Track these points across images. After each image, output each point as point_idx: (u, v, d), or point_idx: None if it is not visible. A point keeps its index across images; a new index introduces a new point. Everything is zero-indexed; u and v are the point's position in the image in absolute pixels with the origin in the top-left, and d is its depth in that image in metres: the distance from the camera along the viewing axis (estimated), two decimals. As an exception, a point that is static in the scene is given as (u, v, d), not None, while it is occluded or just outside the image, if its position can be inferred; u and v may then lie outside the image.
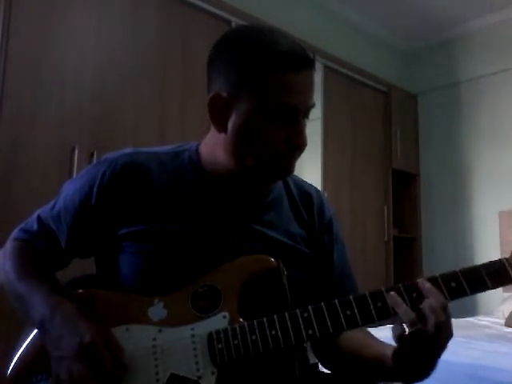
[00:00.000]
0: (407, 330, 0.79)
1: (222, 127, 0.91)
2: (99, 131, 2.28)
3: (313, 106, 0.93)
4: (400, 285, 0.83)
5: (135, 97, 2.43)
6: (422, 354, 0.80)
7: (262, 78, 0.86)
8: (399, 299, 0.80)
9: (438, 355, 0.83)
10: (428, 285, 0.81)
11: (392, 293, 0.81)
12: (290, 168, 0.94)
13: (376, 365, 0.90)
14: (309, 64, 0.89)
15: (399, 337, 0.80)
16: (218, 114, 0.91)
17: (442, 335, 0.78)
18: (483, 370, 1.84)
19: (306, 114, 0.92)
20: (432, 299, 0.79)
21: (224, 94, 0.89)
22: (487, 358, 1.95)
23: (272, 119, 0.87)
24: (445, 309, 0.78)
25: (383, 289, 0.82)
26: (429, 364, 0.83)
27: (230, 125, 0.90)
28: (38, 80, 2.12)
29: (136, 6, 2.49)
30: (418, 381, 0.86)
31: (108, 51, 2.37)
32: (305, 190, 1.07)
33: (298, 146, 0.90)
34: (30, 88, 2.10)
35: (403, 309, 0.79)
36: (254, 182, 0.97)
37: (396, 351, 0.83)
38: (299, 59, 0.87)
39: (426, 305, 0.79)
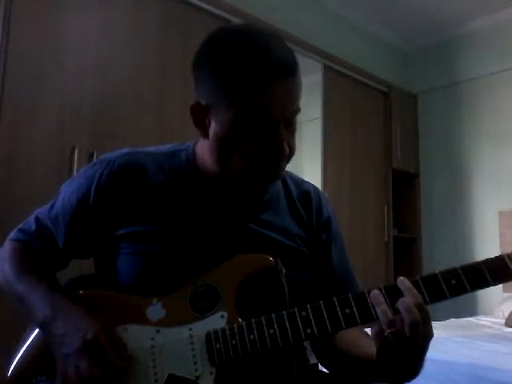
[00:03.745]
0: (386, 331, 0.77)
1: (204, 134, 0.91)
2: (99, 131, 2.28)
3: (296, 112, 0.89)
4: (385, 285, 0.81)
5: (135, 97, 2.43)
6: (402, 355, 0.78)
7: (237, 90, 0.83)
8: (381, 298, 0.79)
9: (420, 355, 0.80)
10: (407, 283, 0.79)
11: (375, 291, 0.80)
12: (277, 174, 0.93)
13: (366, 365, 0.89)
14: (286, 74, 0.84)
15: (377, 338, 0.79)
16: (198, 122, 0.91)
17: (418, 335, 0.76)
18: (483, 369, 1.84)
19: (289, 121, 0.89)
20: (408, 298, 0.77)
21: (203, 102, 0.88)
22: (487, 358, 1.95)
23: (250, 131, 0.86)
24: (421, 308, 0.76)
25: (381, 286, 0.81)
26: (412, 364, 0.82)
27: (210, 132, 0.90)
28: (38, 80, 2.12)
29: (136, 6, 2.49)
30: (404, 381, 0.85)
31: (108, 51, 2.37)
32: (303, 188, 1.06)
33: (278, 156, 0.88)
34: (30, 88, 2.10)
35: (382, 308, 0.77)
36: (244, 186, 0.96)
37: (377, 352, 0.82)
38: (274, 70, 0.83)
39: (400, 303, 0.77)
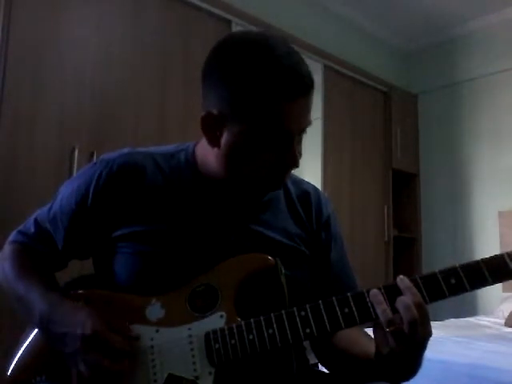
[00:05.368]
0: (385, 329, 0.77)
1: (214, 143, 0.90)
2: (99, 131, 2.28)
3: (309, 124, 0.90)
4: (386, 284, 0.81)
5: (135, 97, 2.44)
6: (401, 354, 0.78)
7: (254, 104, 0.83)
8: (380, 297, 0.79)
9: (418, 354, 0.81)
10: (407, 282, 0.79)
11: (374, 290, 0.80)
12: (281, 182, 0.94)
13: (365, 364, 0.89)
14: (305, 91, 0.85)
15: (376, 337, 0.79)
16: (210, 131, 0.90)
17: (417, 333, 0.76)
18: (483, 369, 1.84)
19: (300, 134, 0.90)
20: (406, 296, 0.77)
21: (216, 112, 0.87)
22: (487, 358, 1.95)
23: (264, 143, 0.86)
24: (420, 306, 0.76)
25: (381, 285, 0.81)
26: (410, 363, 0.82)
27: (222, 142, 0.89)
28: (38, 80, 2.13)
29: (136, 6, 2.49)
30: (403, 380, 0.85)
31: (108, 51, 2.37)
32: (302, 188, 1.06)
33: (289, 166, 0.90)
34: (30, 88, 2.10)
35: (381, 308, 0.78)
36: (246, 191, 0.96)
37: (376, 351, 0.82)
38: (295, 88, 0.83)
39: (399, 302, 0.77)
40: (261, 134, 0.85)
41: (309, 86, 0.86)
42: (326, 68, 3.46)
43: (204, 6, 2.73)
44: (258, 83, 0.82)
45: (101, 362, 0.80)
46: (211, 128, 0.89)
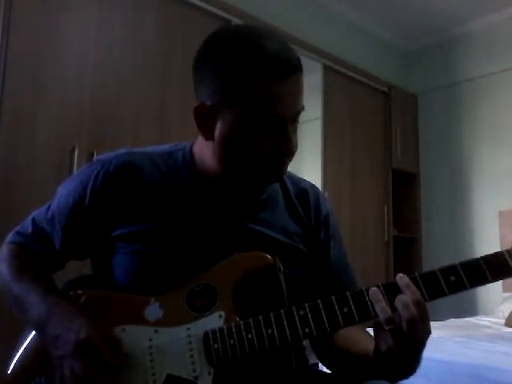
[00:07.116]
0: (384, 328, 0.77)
1: (208, 135, 0.91)
2: (99, 131, 2.28)
3: (301, 110, 0.90)
4: (384, 283, 0.81)
5: (135, 97, 2.44)
6: (400, 352, 0.78)
7: (244, 88, 0.84)
8: (380, 295, 0.78)
9: (417, 352, 0.80)
10: (406, 279, 0.79)
11: (373, 288, 0.80)
12: (280, 173, 0.93)
13: (364, 362, 0.88)
14: (293, 71, 0.86)
15: (376, 335, 0.79)
16: (203, 123, 0.90)
17: (416, 331, 0.75)
18: (483, 369, 1.83)
19: (294, 120, 0.90)
20: (405, 294, 0.77)
21: (208, 103, 0.88)
22: (487, 358, 1.94)
23: (258, 129, 0.86)
24: (419, 304, 0.76)
25: (380, 284, 0.81)
26: (409, 361, 0.81)
27: (216, 133, 0.89)
28: (38, 79, 2.13)
29: (136, 6, 2.49)
30: (401, 378, 0.85)
31: (108, 51, 2.37)
32: (301, 186, 1.06)
33: (286, 154, 0.89)
34: (30, 87, 2.10)
35: (380, 306, 0.77)
36: (245, 186, 0.96)
37: (375, 348, 0.82)
38: (282, 67, 0.84)
39: (398, 300, 0.77)
40: (254, 120, 0.85)
41: (296, 66, 0.86)
42: (326, 68, 3.46)
43: (204, 5, 2.73)
44: (246, 67, 0.84)
45: (87, 371, 0.80)
46: (204, 119, 0.89)
